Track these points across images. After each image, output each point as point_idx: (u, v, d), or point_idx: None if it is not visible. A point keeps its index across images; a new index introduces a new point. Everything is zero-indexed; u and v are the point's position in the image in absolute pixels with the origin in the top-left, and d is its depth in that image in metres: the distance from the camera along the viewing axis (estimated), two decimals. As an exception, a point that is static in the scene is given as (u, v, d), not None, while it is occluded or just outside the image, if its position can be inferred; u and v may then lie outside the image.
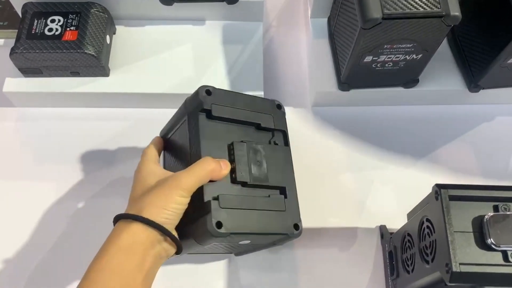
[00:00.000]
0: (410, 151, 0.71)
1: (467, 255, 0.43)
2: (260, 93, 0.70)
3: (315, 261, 0.63)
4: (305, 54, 0.78)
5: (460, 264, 0.42)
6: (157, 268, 0.47)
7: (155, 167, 0.51)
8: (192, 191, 0.47)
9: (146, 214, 0.45)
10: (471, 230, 0.45)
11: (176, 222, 0.47)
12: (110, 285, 0.43)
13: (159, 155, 0.56)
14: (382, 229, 0.64)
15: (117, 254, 0.44)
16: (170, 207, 0.46)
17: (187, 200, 0.47)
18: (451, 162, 0.70)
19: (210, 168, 0.47)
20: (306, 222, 0.65)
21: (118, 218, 0.47)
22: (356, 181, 0.68)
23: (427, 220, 0.49)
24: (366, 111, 0.74)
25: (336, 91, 0.70)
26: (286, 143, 0.54)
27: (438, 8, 0.55)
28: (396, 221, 0.65)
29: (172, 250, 0.48)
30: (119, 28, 0.73)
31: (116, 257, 0.43)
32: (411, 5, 0.55)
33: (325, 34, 0.74)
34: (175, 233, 0.48)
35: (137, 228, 0.45)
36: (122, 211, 0.51)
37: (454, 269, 0.42)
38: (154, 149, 0.55)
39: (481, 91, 0.70)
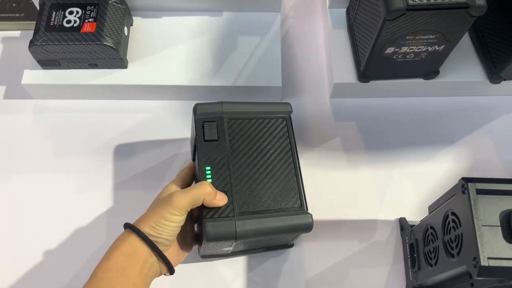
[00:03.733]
0: (430, 143, 0.70)
1: (494, 249, 0.43)
2: (278, 85, 0.69)
3: (335, 252, 0.63)
4: (323, 45, 0.78)
5: (488, 258, 0.42)
6: (151, 279, 0.50)
7: (171, 186, 0.54)
8: (184, 209, 0.49)
9: (143, 227, 0.48)
10: (499, 224, 0.44)
11: (171, 239, 0.49)
12: (116, 282, 0.46)
13: (192, 179, 0.58)
14: (402, 222, 0.64)
15: (121, 258, 0.47)
16: (160, 223, 0.48)
17: (179, 218, 0.49)
18: (471, 154, 0.70)
19: (205, 192, 0.49)
20: (326, 214, 0.66)
21: (125, 226, 0.50)
22: (375, 173, 0.68)
23: (453, 213, 0.48)
24: (385, 103, 0.73)
25: (355, 82, 0.69)
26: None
27: (463, -2, 0.54)
28: (416, 214, 0.65)
29: (164, 268, 0.51)
30: (136, 20, 0.73)
31: (120, 260, 0.47)
32: (436, -5, 0.54)
33: (344, 25, 0.73)
34: (172, 252, 0.51)
35: (135, 239, 0.48)
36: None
37: (482, 263, 0.42)
38: (184, 171, 0.57)
39: (503, 82, 0.70)
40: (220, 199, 0.50)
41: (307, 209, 0.53)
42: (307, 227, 0.52)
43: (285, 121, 0.57)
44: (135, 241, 0.48)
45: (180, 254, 0.54)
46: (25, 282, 0.61)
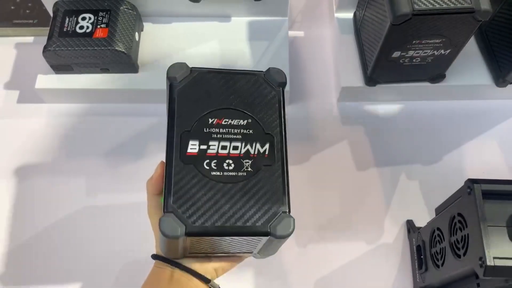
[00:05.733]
0: (437, 146, 0.71)
1: (500, 250, 0.44)
2: (285, 89, 0.70)
3: (343, 254, 0.64)
4: (330, 49, 0.79)
5: (494, 258, 0.43)
6: None
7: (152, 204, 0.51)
8: None
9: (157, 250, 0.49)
10: (504, 225, 0.45)
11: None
12: None
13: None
14: (409, 224, 0.65)
15: (150, 278, 0.49)
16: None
17: None
18: (478, 157, 0.70)
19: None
20: (334, 216, 0.66)
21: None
22: (382, 176, 0.69)
23: (459, 214, 0.49)
24: (392, 106, 0.74)
25: (362, 86, 0.70)
26: None
27: (469, 3, 0.55)
28: (423, 216, 0.65)
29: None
30: (147, 25, 0.74)
31: (150, 281, 0.49)
32: (441, 0, 0.55)
33: (351, 29, 0.74)
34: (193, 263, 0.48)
35: (158, 262, 0.49)
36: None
37: (488, 263, 0.42)
38: (153, 184, 0.50)
39: (509, 86, 0.70)
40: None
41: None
42: (265, 234, 0.40)
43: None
44: (159, 263, 0.48)
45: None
46: (36, 285, 0.62)
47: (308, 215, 0.66)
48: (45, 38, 0.67)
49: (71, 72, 0.70)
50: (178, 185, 0.39)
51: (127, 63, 0.68)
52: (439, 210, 0.56)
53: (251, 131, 0.42)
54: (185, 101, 0.42)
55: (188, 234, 0.38)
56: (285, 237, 0.39)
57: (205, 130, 0.41)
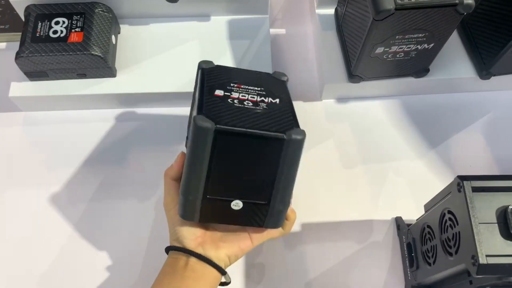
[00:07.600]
0: (423, 141, 0.71)
1: (492, 247, 0.43)
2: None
3: (333, 254, 0.63)
4: (312, 46, 0.77)
5: (487, 256, 0.42)
6: (195, 280, 0.50)
7: (169, 196, 0.54)
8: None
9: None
10: (495, 221, 0.44)
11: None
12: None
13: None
14: (399, 221, 0.64)
15: (165, 268, 0.51)
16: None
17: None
18: (464, 150, 0.70)
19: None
20: (322, 216, 0.65)
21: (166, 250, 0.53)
22: (370, 174, 0.68)
23: (449, 212, 0.48)
24: (376, 102, 0.73)
25: (346, 83, 0.69)
26: None
27: (451, -3, 0.54)
28: (412, 212, 0.65)
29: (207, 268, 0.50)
30: (124, 28, 0.72)
31: (164, 271, 0.51)
32: (424, -6, 0.54)
33: (332, 26, 0.73)
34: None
35: (173, 252, 0.52)
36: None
37: (481, 261, 0.42)
38: (174, 169, 0.54)
39: (492, 78, 0.70)
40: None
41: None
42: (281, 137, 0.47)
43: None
44: (174, 253, 0.51)
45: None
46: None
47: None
48: (18, 44, 0.64)
49: (47, 79, 0.67)
50: (208, 104, 0.46)
51: (104, 67, 0.66)
52: (428, 207, 0.56)
53: (264, 93, 0.51)
54: (211, 76, 0.52)
55: (217, 130, 0.44)
56: (298, 142, 0.46)
57: (227, 87, 0.50)
